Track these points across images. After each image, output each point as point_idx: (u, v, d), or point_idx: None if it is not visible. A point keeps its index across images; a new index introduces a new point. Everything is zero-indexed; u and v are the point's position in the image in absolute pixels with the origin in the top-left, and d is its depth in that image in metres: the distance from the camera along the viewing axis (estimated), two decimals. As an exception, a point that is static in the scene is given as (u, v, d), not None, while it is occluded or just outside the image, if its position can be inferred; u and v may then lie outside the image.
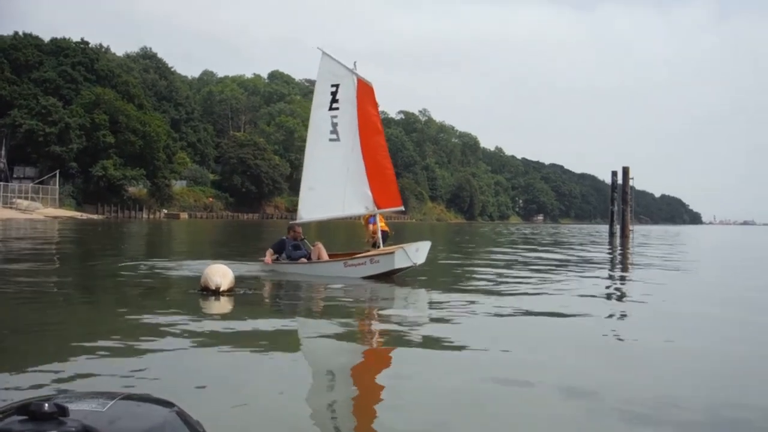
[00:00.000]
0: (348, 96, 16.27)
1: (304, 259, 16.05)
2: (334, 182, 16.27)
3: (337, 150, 16.37)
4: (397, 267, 15.04)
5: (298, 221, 16.92)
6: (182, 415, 1.87)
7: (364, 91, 16.27)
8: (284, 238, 16.50)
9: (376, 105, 16.53)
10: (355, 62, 16.46)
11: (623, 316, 11.36)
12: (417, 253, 15.28)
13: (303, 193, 17.01)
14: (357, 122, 16.10)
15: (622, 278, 18.72)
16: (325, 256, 15.96)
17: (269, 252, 16.21)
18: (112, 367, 6.48)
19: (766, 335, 9.69)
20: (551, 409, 5.49)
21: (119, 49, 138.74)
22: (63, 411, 1.61)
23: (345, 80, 16.38)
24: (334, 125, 16.40)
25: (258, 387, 6.03)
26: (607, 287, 16.32)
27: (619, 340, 8.86)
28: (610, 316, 11.11)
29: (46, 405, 1.59)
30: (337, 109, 16.40)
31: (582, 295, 13.06)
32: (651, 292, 14.20)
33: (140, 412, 1.77)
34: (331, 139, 16.48)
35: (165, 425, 1.75)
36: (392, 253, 14.95)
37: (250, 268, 16.81)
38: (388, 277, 15.07)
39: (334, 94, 16.41)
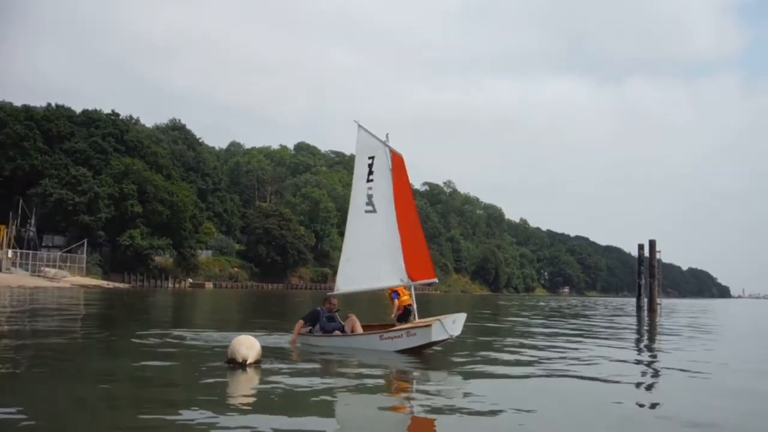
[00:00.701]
0: (382, 168, 16.26)
1: (338, 332, 15.72)
2: (369, 254, 16.10)
3: (372, 221, 16.26)
4: (434, 340, 14.59)
5: (335, 293, 16.57)
6: None
7: (397, 163, 16.23)
8: (318, 309, 16.12)
9: (407, 176, 16.44)
10: (387, 134, 16.45)
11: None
12: (454, 325, 14.79)
13: (341, 265, 16.90)
14: (392, 194, 16.01)
15: (652, 354, 18.18)
16: (359, 328, 15.63)
17: (299, 324, 15.86)
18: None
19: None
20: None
21: (149, 121, 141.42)
22: None
23: (378, 152, 16.38)
24: (369, 197, 16.34)
25: None
26: (638, 361, 15.87)
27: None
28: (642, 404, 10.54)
29: None
30: (372, 180, 16.38)
31: (615, 372, 12.58)
32: (681, 367, 13.79)
33: None
34: (367, 211, 16.40)
35: None
36: (429, 325, 14.49)
37: (277, 340, 16.59)
38: (422, 351, 14.68)
39: (370, 166, 16.43)
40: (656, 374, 13.73)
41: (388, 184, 16.12)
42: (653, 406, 9.56)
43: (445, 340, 14.91)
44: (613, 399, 9.68)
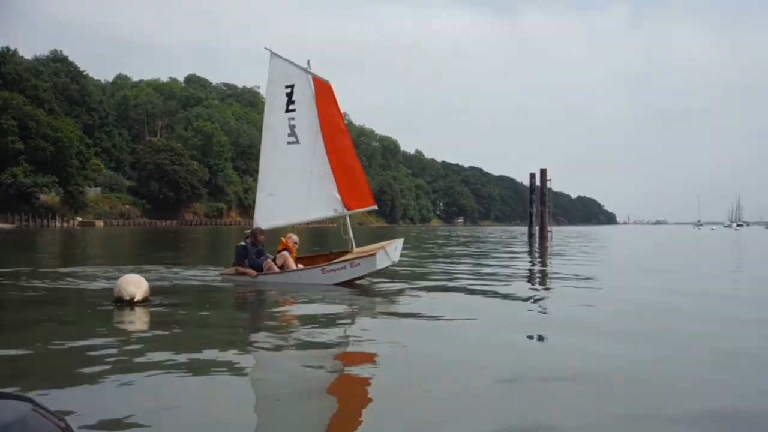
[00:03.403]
0: (304, 96, 15.37)
1: (275, 267, 14.92)
2: (296, 186, 15.30)
3: (297, 153, 15.41)
4: (378, 268, 14.36)
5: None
6: (41, 411, 1.72)
7: (323, 91, 15.38)
8: (243, 244, 15.23)
9: (336, 104, 15.55)
10: (308, 60, 15.58)
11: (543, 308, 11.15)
12: (395, 251, 14.68)
13: (260, 200, 15.88)
14: (318, 123, 15.22)
15: (542, 280, 18.72)
16: (291, 263, 14.94)
17: (236, 269, 15.00)
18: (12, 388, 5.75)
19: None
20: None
21: (27, 52, 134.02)
22: None
23: (299, 80, 15.45)
24: (292, 127, 15.45)
25: (172, 404, 5.37)
26: (531, 284, 16.72)
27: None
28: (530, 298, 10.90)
29: None
30: (294, 110, 15.46)
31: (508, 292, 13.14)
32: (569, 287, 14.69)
33: None
34: (289, 142, 15.50)
35: (20, 421, 1.61)
36: (374, 254, 14.19)
37: (166, 277, 16.13)
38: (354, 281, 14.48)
39: (289, 95, 15.47)
40: (549, 290, 14.76)
41: (313, 113, 15.27)
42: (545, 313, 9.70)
43: (388, 267, 14.73)
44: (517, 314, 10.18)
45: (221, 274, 15.75)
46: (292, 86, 15.48)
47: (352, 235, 15.14)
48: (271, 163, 15.86)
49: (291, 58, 15.82)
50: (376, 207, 16.00)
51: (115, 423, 4.91)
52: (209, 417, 5.10)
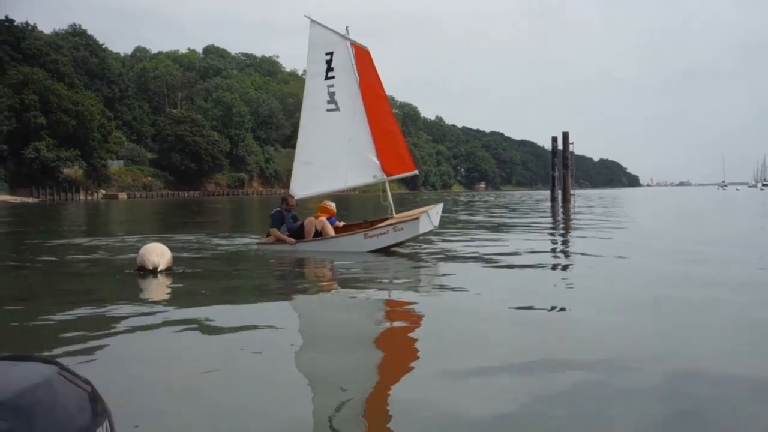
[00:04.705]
0: (344, 63, 15.29)
1: (311, 228, 14.83)
2: (334, 154, 15.20)
3: (336, 120, 15.32)
4: (421, 232, 14.34)
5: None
6: (67, 374, 1.72)
7: (362, 57, 15.29)
8: (279, 209, 15.25)
9: (375, 70, 15.39)
10: (347, 27, 15.46)
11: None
12: (437, 216, 14.62)
13: (297, 169, 15.75)
14: (358, 89, 15.14)
15: (565, 242, 18.72)
16: (330, 230, 14.82)
17: (276, 232, 14.93)
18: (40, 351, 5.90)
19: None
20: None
21: (47, 27, 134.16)
22: None
23: (338, 47, 15.34)
24: (332, 94, 15.35)
25: (189, 371, 5.38)
26: (554, 248, 16.78)
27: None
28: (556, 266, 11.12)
29: None
30: (333, 77, 15.37)
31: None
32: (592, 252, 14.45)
33: (17, 371, 1.64)
34: (329, 110, 15.41)
35: (45, 384, 1.61)
36: (417, 218, 14.10)
37: (190, 246, 16.34)
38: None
39: (329, 62, 15.37)
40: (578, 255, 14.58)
41: (353, 80, 15.20)
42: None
43: (430, 231, 14.74)
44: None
45: (258, 243, 15.74)
46: (331, 53, 15.36)
47: (391, 201, 15.06)
48: (310, 131, 15.73)
49: (331, 24, 15.74)
50: (416, 172, 15.93)
51: (139, 389, 4.95)
52: (235, 386, 5.03)
